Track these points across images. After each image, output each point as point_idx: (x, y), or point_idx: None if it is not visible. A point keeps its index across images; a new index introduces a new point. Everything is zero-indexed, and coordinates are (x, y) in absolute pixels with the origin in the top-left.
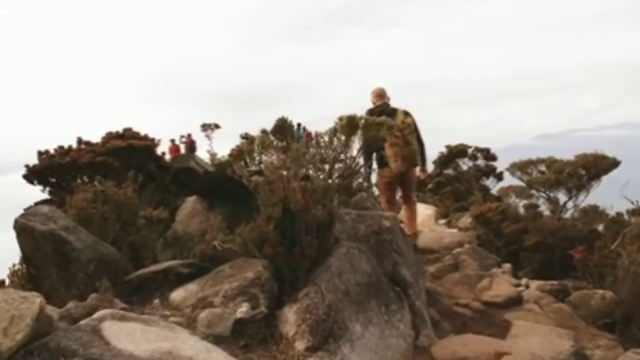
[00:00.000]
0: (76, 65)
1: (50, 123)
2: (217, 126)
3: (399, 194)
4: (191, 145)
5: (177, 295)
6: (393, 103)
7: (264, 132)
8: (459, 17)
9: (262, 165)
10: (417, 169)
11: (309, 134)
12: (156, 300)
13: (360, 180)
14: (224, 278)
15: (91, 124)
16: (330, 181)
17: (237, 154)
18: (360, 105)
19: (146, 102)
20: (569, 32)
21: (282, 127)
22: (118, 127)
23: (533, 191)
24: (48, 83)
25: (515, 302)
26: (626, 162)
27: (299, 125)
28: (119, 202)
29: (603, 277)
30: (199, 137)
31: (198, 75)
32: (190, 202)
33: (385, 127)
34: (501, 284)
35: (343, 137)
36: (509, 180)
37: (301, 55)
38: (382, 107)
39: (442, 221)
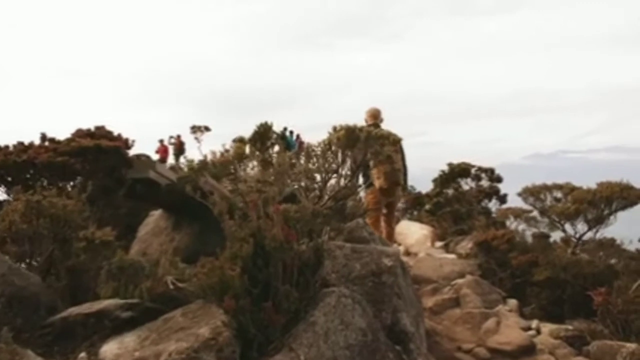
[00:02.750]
0: (76, 61)
1: (47, 118)
2: (207, 129)
3: None
4: (180, 146)
5: (109, 350)
6: (386, 123)
7: (240, 140)
8: (463, 32)
9: (237, 183)
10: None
11: (302, 143)
12: (82, 354)
13: (356, 201)
14: (171, 332)
15: (87, 121)
16: (321, 204)
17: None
18: (359, 118)
19: (145, 102)
20: (568, 53)
21: (263, 135)
22: (112, 125)
23: (535, 213)
24: (46, 77)
25: (527, 351)
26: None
27: (291, 132)
28: (56, 217)
29: (628, 325)
30: (189, 140)
31: (199, 77)
32: (154, 218)
33: (391, 142)
34: (510, 328)
35: (340, 152)
36: (513, 202)
37: (304, 63)
38: (372, 128)
39: (439, 244)
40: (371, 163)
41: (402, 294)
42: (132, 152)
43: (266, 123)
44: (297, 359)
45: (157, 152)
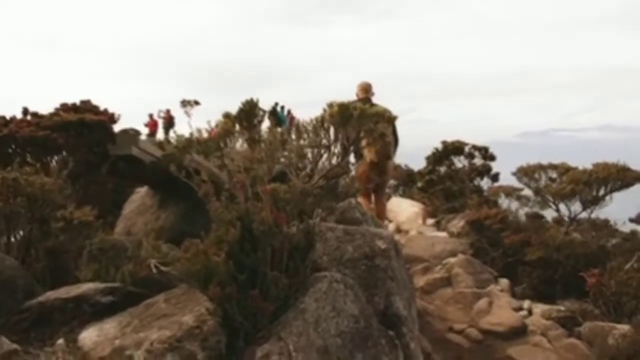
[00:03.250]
0: (61, 32)
1: (28, 89)
2: (197, 103)
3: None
4: (170, 120)
5: (89, 336)
6: (377, 98)
7: (226, 116)
8: (455, 10)
9: (225, 161)
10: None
11: (293, 119)
12: (60, 341)
13: (349, 180)
14: (154, 319)
15: (72, 94)
16: (312, 183)
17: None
18: (348, 94)
19: (133, 75)
20: (559, 34)
21: (249, 113)
22: (98, 99)
23: (527, 191)
24: (27, 47)
25: (519, 332)
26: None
27: (282, 107)
28: (33, 196)
29: (620, 307)
30: (178, 113)
31: (186, 50)
32: (140, 195)
33: (385, 120)
34: (502, 309)
35: (332, 129)
36: (505, 180)
37: (293, 38)
38: (363, 102)
39: (431, 221)
40: (363, 141)
41: (395, 276)
42: (119, 126)
43: (252, 100)
44: (285, 348)
45: (146, 126)
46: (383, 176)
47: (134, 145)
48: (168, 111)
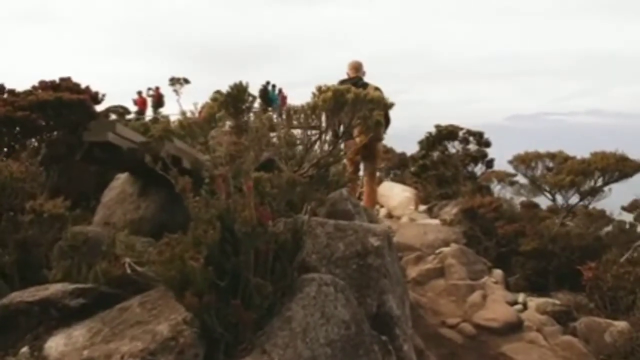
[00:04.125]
0: (40, 4)
1: (8, 65)
2: (186, 81)
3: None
4: (159, 99)
5: (56, 345)
6: (368, 77)
7: (214, 100)
8: None
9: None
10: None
11: (284, 98)
12: (24, 349)
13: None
14: (126, 327)
15: (53, 71)
16: (301, 171)
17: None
18: (340, 74)
19: (116, 51)
20: (552, 18)
21: (237, 98)
22: (85, 76)
23: (520, 177)
24: (7, 20)
25: (514, 328)
26: (591, 147)
27: (274, 86)
28: (1, 185)
29: (616, 302)
30: (167, 92)
31: (175, 27)
32: (120, 181)
33: (381, 107)
34: (496, 303)
35: (324, 116)
36: (497, 165)
37: (283, 17)
38: (354, 80)
39: (423, 207)
40: (355, 130)
41: (388, 272)
42: (103, 105)
43: (240, 84)
44: None
45: (135, 104)
46: (373, 160)
47: (110, 130)
48: (157, 89)
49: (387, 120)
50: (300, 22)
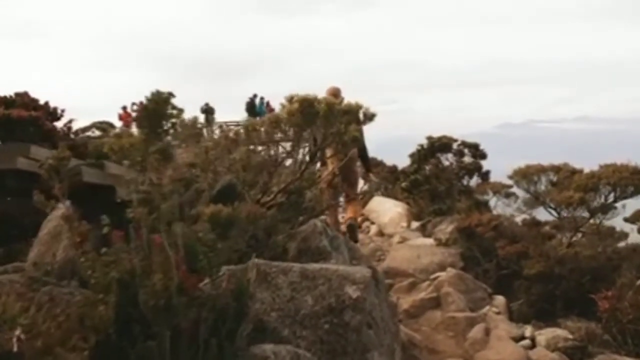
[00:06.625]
0: (20, 18)
1: None
2: (171, 94)
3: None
4: None
5: None
6: (357, 92)
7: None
8: (436, 1)
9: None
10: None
11: (272, 110)
12: None
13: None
14: None
15: (34, 86)
16: (267, 199)
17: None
18: (328, 83)
19: (100, 65)
20: (538, 26)
21: (156, 114)
22: (66, 91)
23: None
24: None
25: None
26: (580, 154)
27: (262, 99)
28: None
29: (638, 335)
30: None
31: (161, 40)
32: (61, 210)
33: (354, 121)
34: (501, 341)
35: (291, 131)
36: (494, 176)
37: (272, 28)
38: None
39: (416, 224)
40: (328, 151)
41: (374, 321)
42: (89, 120)
43: (160, 93)
44: None
45: (120, 119)
46: (350, 179)
47: (21, 155)
48: (142, 104)
49: (364, 149)
50: (287, 32)
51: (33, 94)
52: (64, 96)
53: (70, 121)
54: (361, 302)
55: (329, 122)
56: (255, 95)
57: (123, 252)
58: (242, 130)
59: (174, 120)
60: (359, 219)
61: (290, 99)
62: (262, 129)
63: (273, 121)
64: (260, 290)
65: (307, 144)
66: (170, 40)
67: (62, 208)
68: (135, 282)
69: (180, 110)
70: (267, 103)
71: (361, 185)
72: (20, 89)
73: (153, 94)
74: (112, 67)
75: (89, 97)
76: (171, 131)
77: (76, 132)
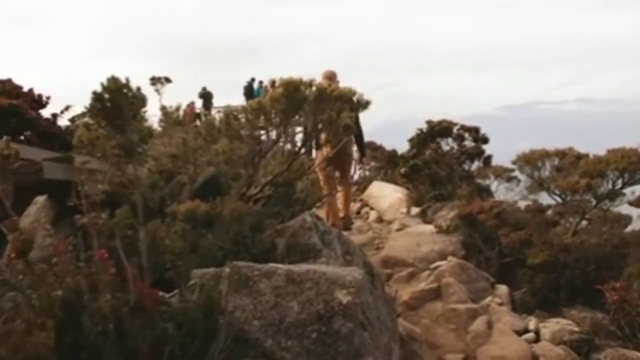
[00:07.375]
0: (19, 6)
1: None
2: (167, 80)
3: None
4: None
5: None
6: (354, 75)
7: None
8: None
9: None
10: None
11: None
12: None
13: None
14: None
15: (32, 75)
16: (253, 192)
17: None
18: (327, 66)
19: (100, 53)
20: (540, 7)
21: (113, 101)
22: (67, 78)
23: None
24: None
25: None
26: (582, 136)
27: (260, 83)
28: None
29: None
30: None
31: (160, 26)
32: (37, 206)
33: (352, 106)
34: (504, 334)
35: (277, 118)
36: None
37: (269, 12)
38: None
39: (416, 210)
40: (322, 135)
41: (368, 322)
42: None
43: (116, 80)
44: None
45: None
46: (345, 163)
47: None
48: (95, 93)
49: (360, 132)
50: (285, 17)
51: (34, 84)
52: (63, 84)
53: (66, 108)
54: (352, 308)
55: (320, 108)
56: (253, 79)
57: (71, 265)
58: (221, 118)
59: (138, 110)
60: (357, 205)
61: (273, 83)
62: (242, 117)
63: (255, 108)
64: (240, 296)
65: (296, 132)
66: (169, 26)
67: (39, 201)
68: (82, 302)
69: (142, 99)
70: (266, 87)
71: (354, 171)
72: (21, 81)
73: (109, 81)
74: (111, 54)
75: (89, 85)
76: (135, 123)
77: (72, 119)
